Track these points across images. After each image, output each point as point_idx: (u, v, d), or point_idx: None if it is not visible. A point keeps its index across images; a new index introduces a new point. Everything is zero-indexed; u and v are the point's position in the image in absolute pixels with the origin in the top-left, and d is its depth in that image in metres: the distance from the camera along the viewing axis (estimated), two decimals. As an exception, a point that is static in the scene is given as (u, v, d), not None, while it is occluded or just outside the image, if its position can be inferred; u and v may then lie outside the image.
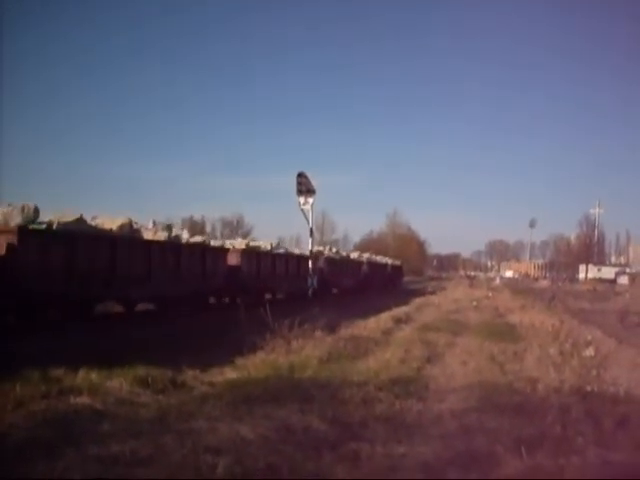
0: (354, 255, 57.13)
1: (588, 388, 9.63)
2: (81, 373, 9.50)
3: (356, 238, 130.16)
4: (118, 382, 9.21)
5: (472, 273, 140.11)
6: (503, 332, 18.74)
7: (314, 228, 37.88)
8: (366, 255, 61.28)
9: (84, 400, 8.03)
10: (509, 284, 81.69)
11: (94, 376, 9.41)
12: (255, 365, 11.79)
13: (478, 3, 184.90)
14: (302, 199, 35.07)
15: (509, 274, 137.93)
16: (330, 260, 43.27)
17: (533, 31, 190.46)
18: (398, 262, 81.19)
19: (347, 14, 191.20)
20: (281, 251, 37.69)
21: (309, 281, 35.51)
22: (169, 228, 25.97)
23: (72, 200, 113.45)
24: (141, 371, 9.86)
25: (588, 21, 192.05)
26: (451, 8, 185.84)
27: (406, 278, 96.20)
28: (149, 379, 9.56)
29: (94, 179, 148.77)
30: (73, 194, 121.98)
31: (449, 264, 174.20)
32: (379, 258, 68.34)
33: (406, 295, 44.29)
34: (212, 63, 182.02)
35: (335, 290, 45.75)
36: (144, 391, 9.10)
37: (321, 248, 46.64)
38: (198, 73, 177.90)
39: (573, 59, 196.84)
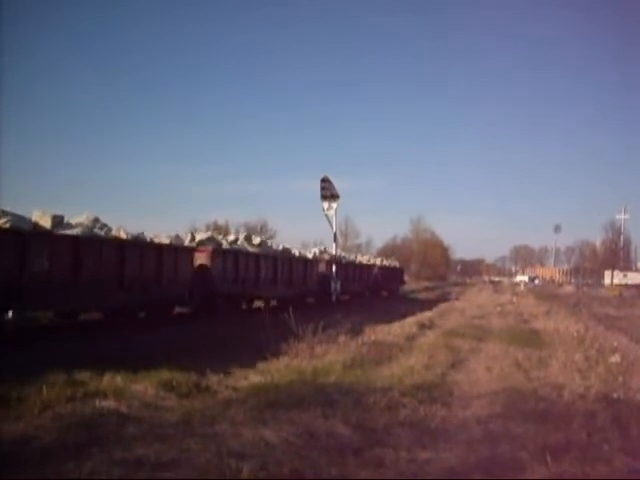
0: (314, 251, 42.15)
1: (614, 395, 9.54)
2: (106, 377, 9.57)
3: (380, 243, 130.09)
4: (143, 386, 9.28)
5: (496, 279, 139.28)
6: (528, 338, 18.63)
7: (338, 233, 37.82)
8: (340, 253, 45.93)
9: (109, 403, 8.09)
10: (533, 290, 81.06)
11: (119, 380, 9.48)
12: (279, 370, 11.80)
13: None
14: (326, 204, 35.03)
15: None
16: (226, 254, 26.92)
17: (561, 33, 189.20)
18: (395, 263, 67.25)
19: (369, 17, 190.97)
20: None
21: (332, 285, 35.44)
22: None
23: (87, 203, 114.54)
24: (166, 375, 9.91)
25: (618, 25, 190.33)
26: (476, 7, 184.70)
27: (430, 284, 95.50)
28: (174, 383, 9.61)
29: (113, 183, 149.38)
30: (87, 197, 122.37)
31: (473, 270, 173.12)
32: (365, 258, 55.69)
33: (430, 302, 44.09)
34: (236, 68, 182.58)
35: (260, 303, 30.10)
36: (169, 395, 9.15)
37: (221, 238, 29.72)
38: (221, 78, 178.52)
39: (599, 63, 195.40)
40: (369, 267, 51.17)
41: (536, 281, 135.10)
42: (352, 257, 50.88)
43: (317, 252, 41.78)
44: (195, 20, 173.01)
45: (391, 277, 57.65)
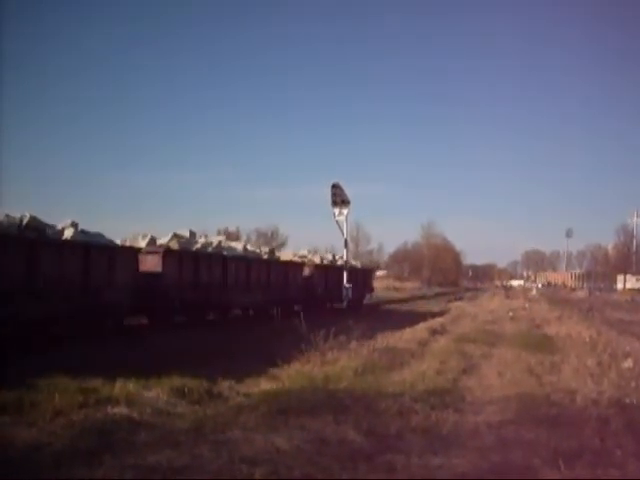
0: (151, 238, 24.05)
1: (627, 400, 9.49)
2: (118, 383, 9.59)
3: (391, 249, 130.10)
4: (155, 392, 9.29)
5: (508, 283, 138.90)
6: (540, 343, 18.55)
7: (349, 239, 37.71)
8: (219, 240, 28.53)
9: (121, 410, 8.11)
10: (545, 294, 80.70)
11: (131, 386, 9.50)
12: (290, 376, 11.80)
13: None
14: (337, 210, 35.09)
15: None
16: None
17: (573, 38, 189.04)
18: (355, 263, 47.96)
19: (380, 16, 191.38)
20: None
21: (344, 292, 35.40)
22: None
23: (100, 209, 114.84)
24: (177, 381, 9.93)
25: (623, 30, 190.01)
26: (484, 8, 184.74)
27: (442, 289, 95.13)
28: (185, 389, 9.63)
29: (121, 187, 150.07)
30: (101, 203, 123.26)
31: (484, 274, 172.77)
32: (292, 254, 38.72)
33: (440, 310, 43.97)
34: (245, 70, 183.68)
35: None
36: (180, 401, 9.16)
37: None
38: (232, 85, 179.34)
39: (610, 66, 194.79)
40: (294, 267, 33.81)
41: (539, 285, 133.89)
42: (256, 250, 32.21)
43: (165, 241, 24.39)
44: (201, 20, 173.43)
45: (349, 283, 38.13)
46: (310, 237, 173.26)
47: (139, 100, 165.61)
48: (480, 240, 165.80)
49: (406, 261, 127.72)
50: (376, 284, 74.53)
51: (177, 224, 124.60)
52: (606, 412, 8.42)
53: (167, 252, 22.41)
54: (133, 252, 21.32)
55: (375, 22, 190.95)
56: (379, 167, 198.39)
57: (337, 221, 35.58)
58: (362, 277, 44.23)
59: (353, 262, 45.50)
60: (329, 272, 37.33)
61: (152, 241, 23.33)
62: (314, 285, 34.33)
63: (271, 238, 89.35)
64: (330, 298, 36.65)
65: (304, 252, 38.85)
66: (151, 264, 21.57)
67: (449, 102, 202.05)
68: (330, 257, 41.29)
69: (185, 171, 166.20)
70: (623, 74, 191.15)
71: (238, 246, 28.99)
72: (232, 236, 69.76)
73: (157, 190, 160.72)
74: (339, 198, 34.95)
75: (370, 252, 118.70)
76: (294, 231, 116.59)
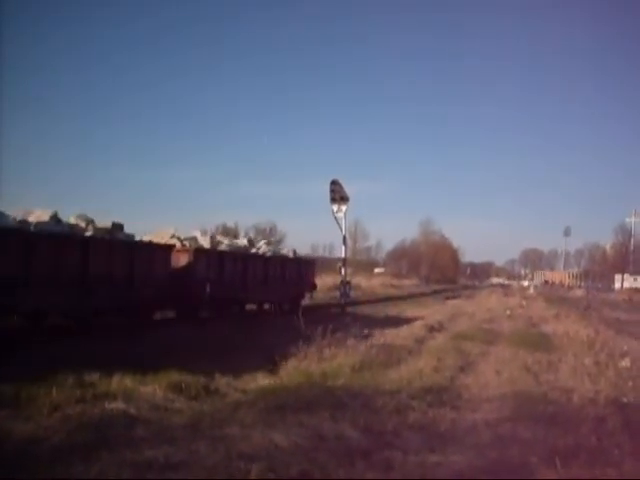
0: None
1: (624, 399, 9.50)
2: (115, 378, 9.59)
3: (389, 246, 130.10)
4: (152, 388, 9.30)
5: (507, 281, 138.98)
6: (537, 342, 18.55)
7: (347, 235, 37.61)
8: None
9: (119, 405, 8.10)
10: (543, 292, 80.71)
11: (128, 382, 9.50)
12: (288, 372, 11.80)
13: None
14: (335, 207, 34.98)
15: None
16: None
17: (573, 38, 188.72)
18: (286, 251, 35.62)
19: (380, 16, 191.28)
20: None
21: (341, 289, 35.35)
22: None
23: (96, 203, 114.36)
24: (174, 377, 9.93)
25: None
26: (488, 9, 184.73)
27: (439, 287, 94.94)
28: (182, 385, 9.63)
29: (122, 183, 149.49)
30: (97, 197, 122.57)
31: (482, 272, 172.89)
32: (168, 236, 23.96)
33: (437, 308, 43.94)
34: (248, 68, 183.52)
35: None
36: (178, 397, 9.16)
37: None
38: (231, 83, 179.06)
39: (608, 65, 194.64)
40: (151, 252, 21.41)
41: (535, 283, 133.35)
42: (80, 225, 18.91)
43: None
44: (202, 19, 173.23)
45: (262, 275, 28.71)
46: (310, 234, 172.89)
47: (139, 99, 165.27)
48: (478, 238, 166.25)
49: (404, 258, 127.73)
50: (374, 281, 74.62)
51: (178, 222, 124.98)
52: (603, 411, 8.43)
53: None
54: None
55: (376, 22, 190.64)
56: (378, 166, 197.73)
57: (336, 217, 35.47)
58: (296, 271, 33.26)
59: (285, 251, 35.60)
60: (228, 261, 25.68)
61: None
62: (197, 281, 22.89)
63: (269, 234, 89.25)
64: (245, 298, 27.10)
65: (196, 233, 26.97)
66: None
67: (447, 102, 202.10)
68: (244, 242, 30.79)
69: (185, 169, 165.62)
70: (622, 73, 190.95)
71: (43, 215, 17.28)
72: (230, 231, 69.39)
73: (157, 188, 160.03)
74: (338, 195, 34.84)
75: (368, 249, 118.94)
76: (294, 229, 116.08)
